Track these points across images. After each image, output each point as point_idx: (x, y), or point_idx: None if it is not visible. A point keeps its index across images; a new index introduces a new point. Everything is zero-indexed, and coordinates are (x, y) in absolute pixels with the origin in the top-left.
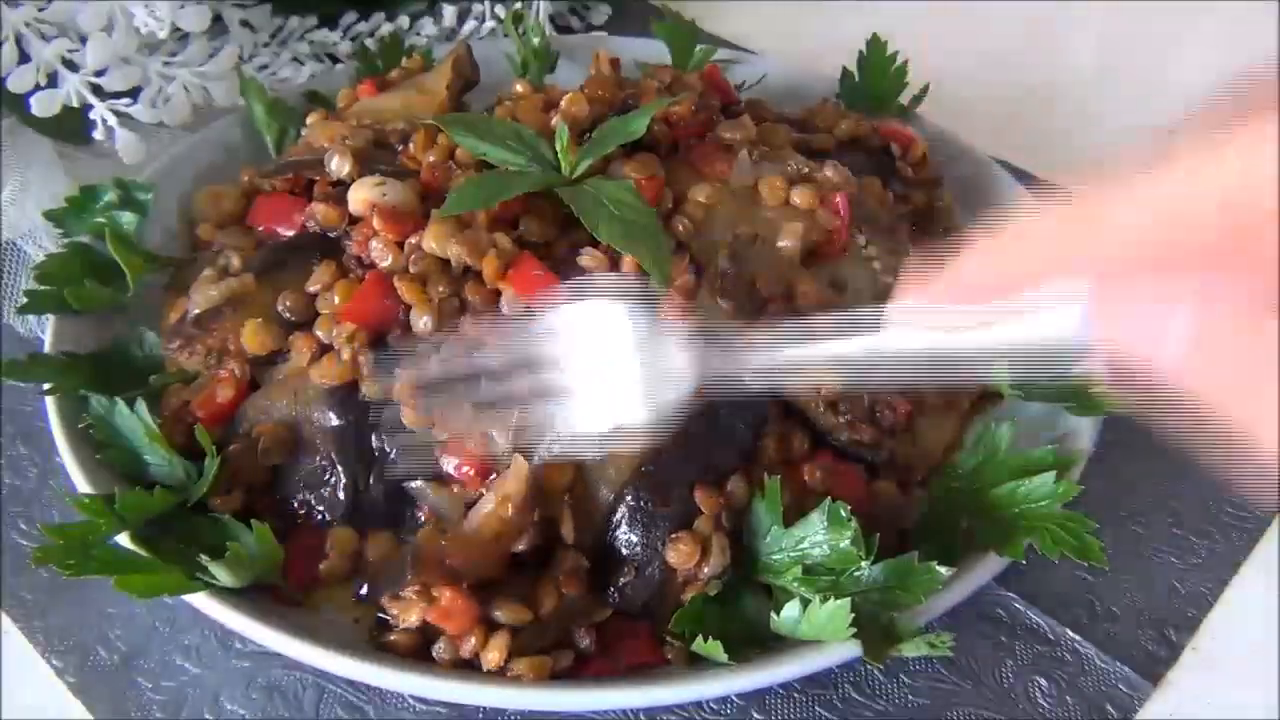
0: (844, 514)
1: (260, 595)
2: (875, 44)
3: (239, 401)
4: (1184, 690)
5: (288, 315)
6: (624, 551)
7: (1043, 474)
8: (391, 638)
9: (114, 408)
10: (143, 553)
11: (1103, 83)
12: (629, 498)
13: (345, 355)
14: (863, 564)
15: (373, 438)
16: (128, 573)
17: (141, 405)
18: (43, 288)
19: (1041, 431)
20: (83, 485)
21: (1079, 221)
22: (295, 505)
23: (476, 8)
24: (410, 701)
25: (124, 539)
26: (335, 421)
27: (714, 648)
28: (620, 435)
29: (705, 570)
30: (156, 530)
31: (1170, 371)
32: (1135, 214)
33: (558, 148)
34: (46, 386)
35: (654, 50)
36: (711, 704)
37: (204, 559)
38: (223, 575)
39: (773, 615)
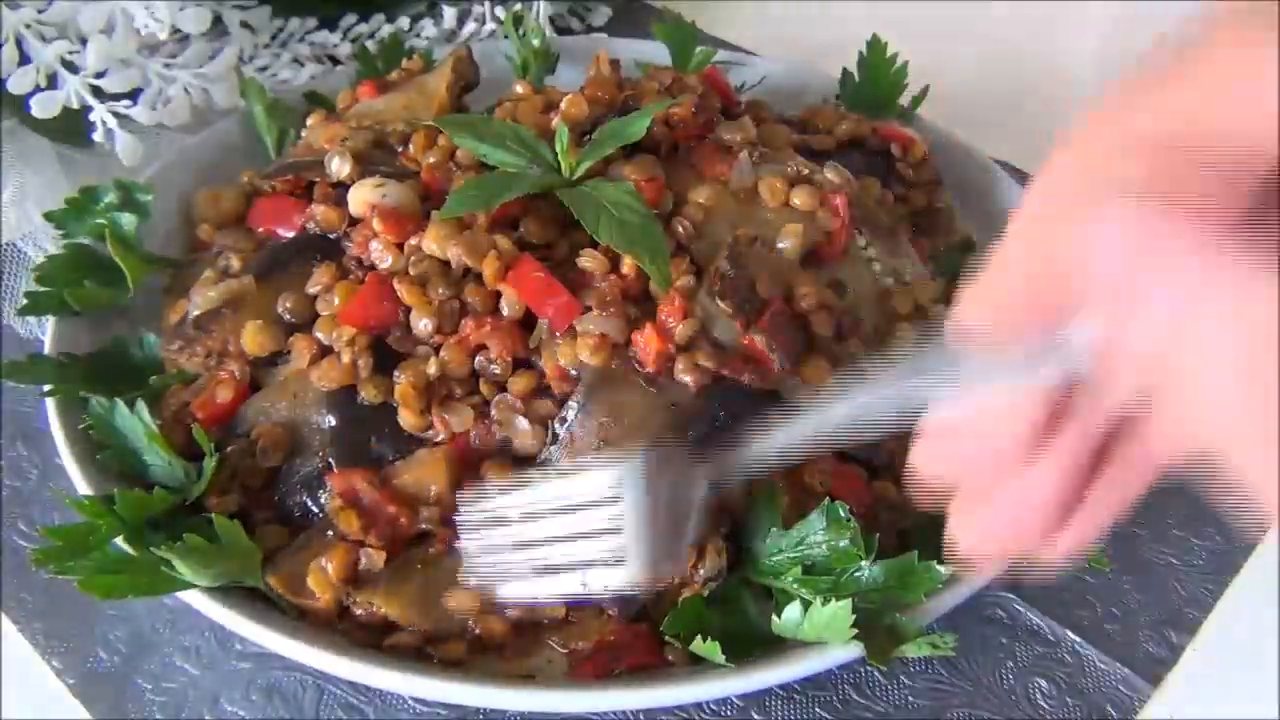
0: (843, 514)
1: (259, 596)
2: (875, 45)
3: (239, 403)
4: (1184, 690)
5: (288, 317)
6: None
7: None
8: (393, 640)
9: (114, 409)
10: (133, 552)
11: (1103, 83)
12: None
13: (345, 359)
14: (863, 564)
15: (371, 440)
16: (110, 574)
17: (141, 406)
18: (42, 289)
19: None
20: (83, 486)
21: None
22: (293, 507)
23: (476, 9)
24: (410, 702)
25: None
26: (333, 423)
27: (712, 649)
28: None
29: (701, 572)
30: (152, 531)
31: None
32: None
33: (558, 149)
34: (46, 388)
35: (654, 52)
36: (711, 705)
37: (164, 552)
38: (184, 569)
39: (774, 617)
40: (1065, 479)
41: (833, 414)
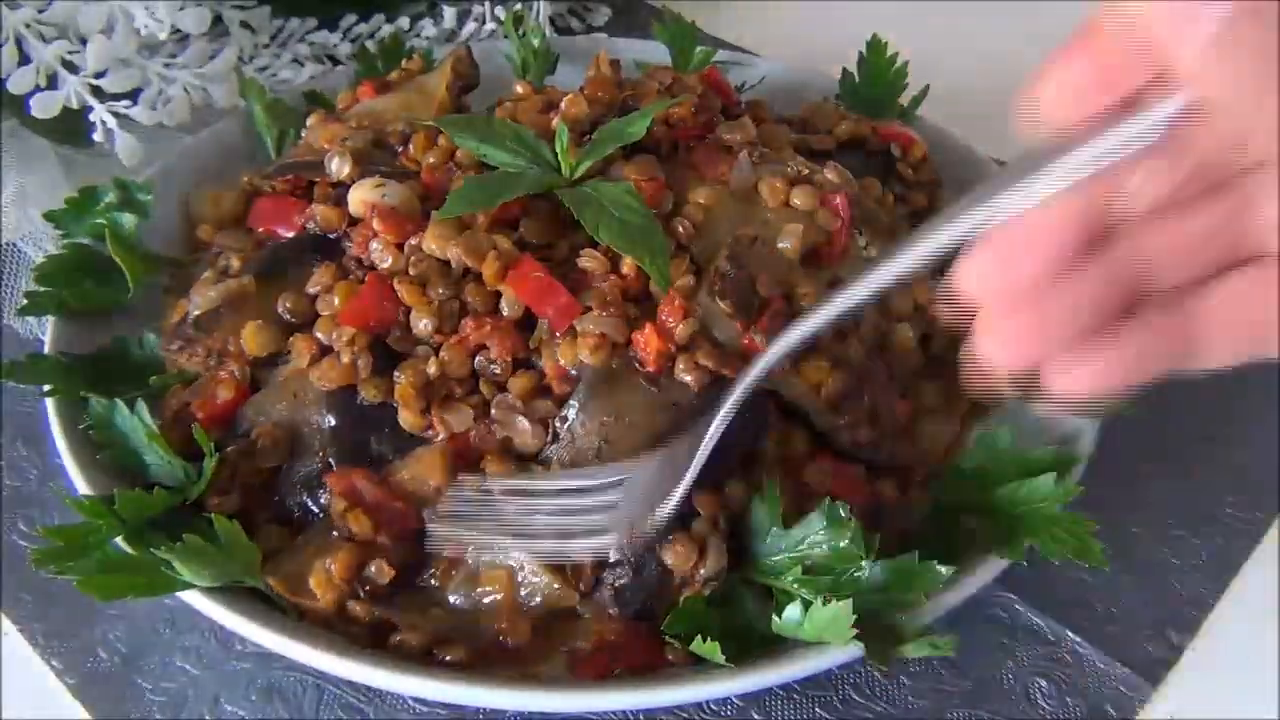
0: (843, 513)
1: (259, 596)
2: (875, 45)
3: (239, 403)
4: (1184, 690)
5: (288, 317)
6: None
7: (1044, 474)
8: (398, 640)
9: (114, 409)
10: (132, 552)
11: None
12: None
13: (345, 358)
14: (863, 563)
15: (371, 440)
16: (110, 574)
17: (141, 406)
18: (42, 289)
19: (1042, 433)
20: (83, 487)
21: None
22: (293, 507)
23: (476, 9)
24: (410, 702)
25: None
26: (333, 423)
27: (712, 649)
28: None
29: (702, 572)
30: (152, 531)
31: (1189, 68)
32: None
33: (558, 149)
34: (46, 388)
35: (654, 52)
36: (711, 705)
37: (164, 553)
38: (184, 570)
39: (774, 617)
40: (1090, 300)
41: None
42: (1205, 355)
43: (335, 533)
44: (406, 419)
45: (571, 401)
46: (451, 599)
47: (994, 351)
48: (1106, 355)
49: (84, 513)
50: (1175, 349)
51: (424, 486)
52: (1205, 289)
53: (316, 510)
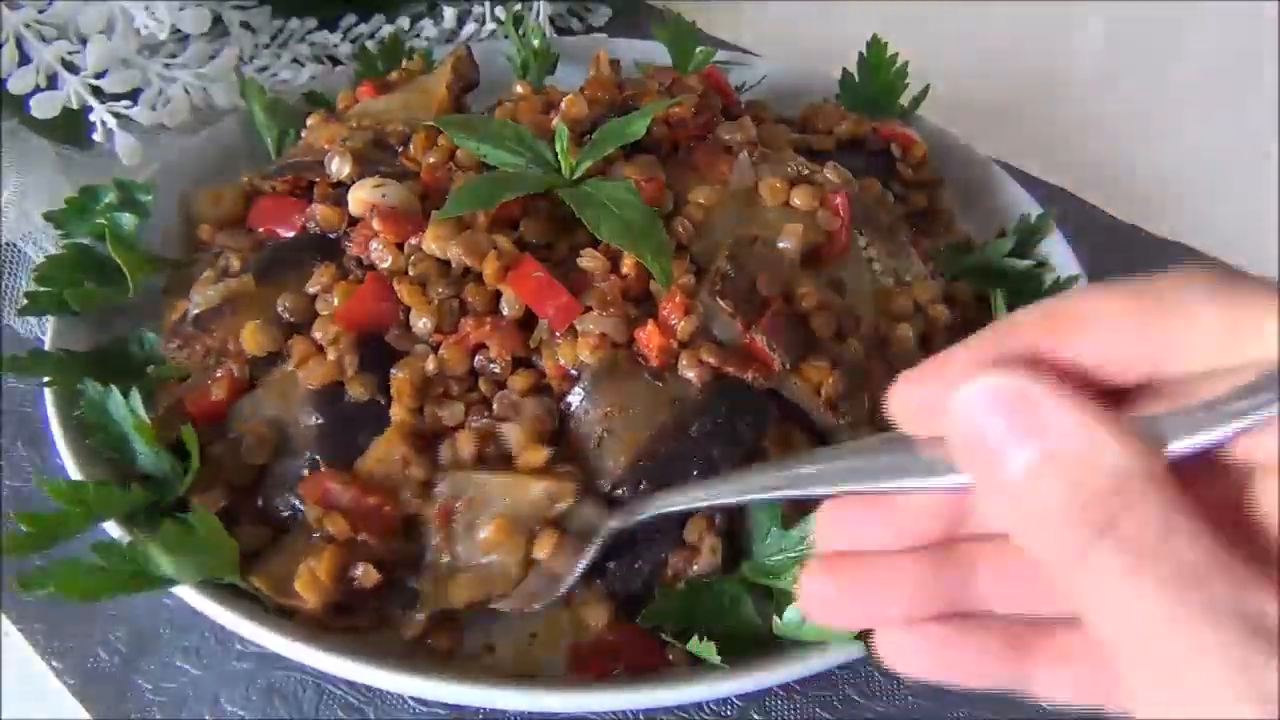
0: None
1: (257, 596)
2: (875, 45)
3: (232, 401)
4: None
5: (287, 316)
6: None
7: None
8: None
9: (108, 395)
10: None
11: (1103, 83)
12: (625, 489)
13: (330, 356)
14: None
15: (359, 439)
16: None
17: (135, 395)
18: (43, 289)
19: None
20: (75, 474)
21: None
22: (280, 506)
23: (477, 9)
24: (410, 702)
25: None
26: (319, 421)
27: (708, 649)
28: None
29: (695, 569)
30: (134, 527)
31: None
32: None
33: (558, 149)
34: (46, 380)
35: (654, 52)
36: (711, 705)
37: (142, 539)
38: (162, 562)
39: (774, 618)
40: (922, 582)
41: (749, 484)
42: (1038, 691)
43: (316, 534)
44: (399, 415)
45: (577, 388)
46: (460, 552)
47: (813, 595)
48: (939, 638)
49: (59, 497)
50: (1009, 666)
51: (393, 468)
52: (1047, 628)
53: (302, 510)
